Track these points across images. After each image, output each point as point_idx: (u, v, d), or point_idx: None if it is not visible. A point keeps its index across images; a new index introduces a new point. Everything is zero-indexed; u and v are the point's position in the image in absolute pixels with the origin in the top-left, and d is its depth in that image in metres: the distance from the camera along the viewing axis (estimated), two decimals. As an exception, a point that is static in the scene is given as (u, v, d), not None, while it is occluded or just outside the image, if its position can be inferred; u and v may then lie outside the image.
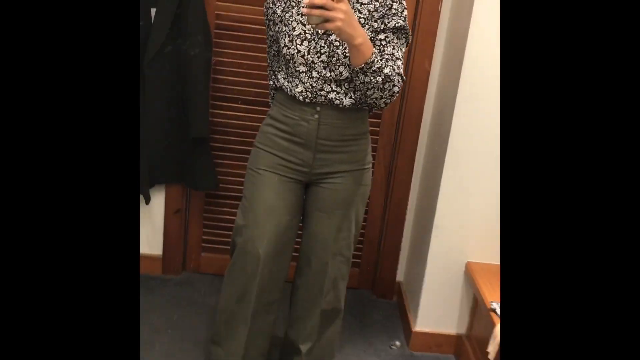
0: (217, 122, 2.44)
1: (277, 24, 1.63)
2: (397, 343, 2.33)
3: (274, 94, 1.78)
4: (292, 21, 1.57)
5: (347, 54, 1.52)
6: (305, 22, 1.54)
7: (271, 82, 1.77)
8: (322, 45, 1.55)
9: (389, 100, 1.57)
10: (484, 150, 2.07)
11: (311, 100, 1.60)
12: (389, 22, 1.56)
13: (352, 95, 1.60)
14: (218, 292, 2.51)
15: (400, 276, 2.67)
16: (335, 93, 1.59)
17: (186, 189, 2.53)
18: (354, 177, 1.69)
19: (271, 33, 1.68)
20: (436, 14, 2.32)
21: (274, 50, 1.72)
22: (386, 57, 1.53)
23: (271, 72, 1.77)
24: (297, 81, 1.60)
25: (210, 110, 2.40)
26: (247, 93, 2.40)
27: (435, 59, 2.38)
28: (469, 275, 2.17)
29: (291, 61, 1.59)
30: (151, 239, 2.60)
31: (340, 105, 1.60)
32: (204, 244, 2.65)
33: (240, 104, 2.40)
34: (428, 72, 2.38)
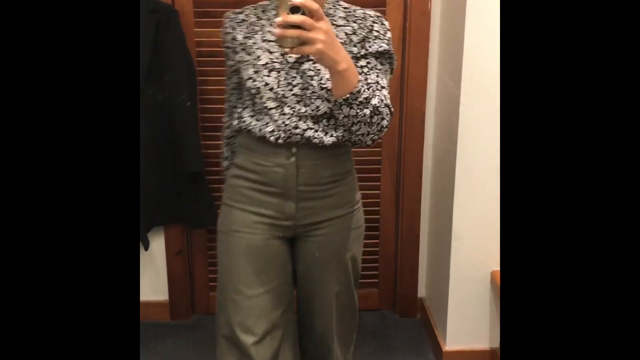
0: (210, 153, 2.31)
1: (238, 53, 1.38)
2: (429, 365, 2.18)
3: (232, 139, 1.51)
4: (256, 49, 1.34)
5: (324, 85, 1.31)
6: (272, 50, 1.33)
7: (232, 123, 1.47)
8: (294, 75, 1.32)
9: (377, 137, 1.32)
10: (496, 149, 1.94)
11: (285, 140, 1.34)
12: (370, 46, 1.34)
13: (334, 133, 1.35)
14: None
15: (421, 292, 2.53)
16: (312, 131, 1.34)
17: (186, 228, 2.40)
18: (345, 222, 1.45)
19: (231, 63, 1.43)
20: (427, 14, 2.21)
21: (234, 82, 1.46)
22: (372, 86, 1.30)
23: (231, 111, 1.49)
24: (268, 119, 1.34)
25: (202, 142, 2.28)
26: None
27: (431, 55, 2.26)
28: (496, 284, 2.03)
29: (258, 96, 1.34)
30: (155, 284, 2.46)
31: (320, 145, 1.35)
32: (211, 283, 2.51)
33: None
34: (426, 72, 2.26)
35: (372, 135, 1.31)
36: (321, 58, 1.16)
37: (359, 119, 1.26)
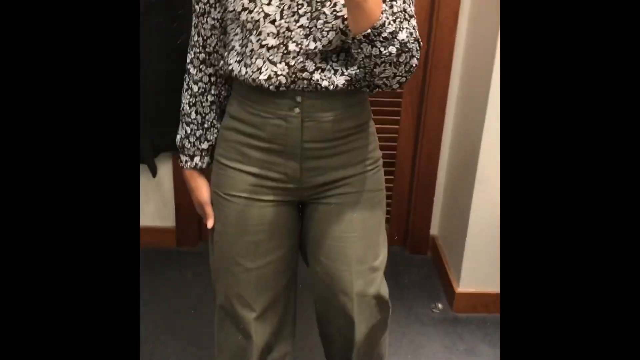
0: (222, 78, 2.18)
1: None
2: (440, 305, 2.16)
3: (216, 79, 1.25)
4: None
5: (339, 13, 1.06)
6: None
7: (211, 75, 1.24)
8: (300, 2, 1.06)
9: (404, 79, 1.08)
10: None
11: (288, 87, 1.10)
12: None
13: (346, 70, 1.11)
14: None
15: (434, 230, 2.48)
16: (320, 72, 1.09)
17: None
18: (363, 182, 1.21)
19: None
20: None
21: (213, 19, 1.16)
22: (398, 16, 1.05)
23: (208, 60, 1.22)
24: (261, 62, 1.09)
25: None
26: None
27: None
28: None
29: (254, 32, 1.08)
30: (162, 211, 2.40)
31: (331, 88, 1.11)
32: (219, 212, 2.45)
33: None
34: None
35: (398, 78, 1.08)
36: None
37: (383, 59, 1.01)
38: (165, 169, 2.31)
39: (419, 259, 2.48)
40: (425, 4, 2.11)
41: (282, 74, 1.09)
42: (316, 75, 1.09)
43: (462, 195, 2.13)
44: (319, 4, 1.06)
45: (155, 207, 2.39)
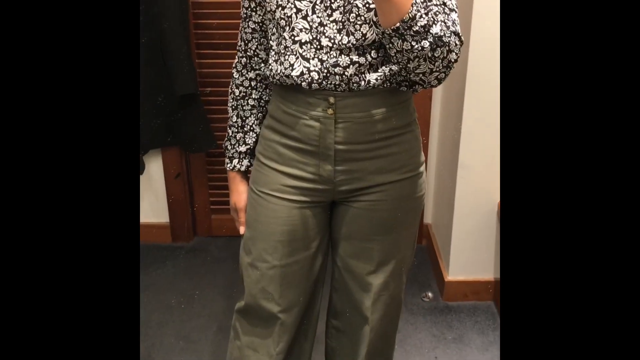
0: (205, 72, 2.19)
1: None
2: (430, 294, 2.14)
3: (257, 83, 1.25)
4: None
5: (372, 6, 1.02)
6: None
7: (252, 78, 1.24)
8: None
9: (443, 75, 1.02)
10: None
11: (320, 85, 1.07)
12: None
13: (382, 67, 1.06)
14: (233, 256, 2.36)
15: (428, 218, 2.46)
16: (356, 68, 1.05)
17: (184, 151, 2.32)
18: (400, 189, 1.16)
19: None
20: None
21: (254, 23, 1.18)
22: (433, 8, 0.96)
23: (249, 63, 1.23)
24: (294, 58, 1.07)
25: (197, 60, 2.15)
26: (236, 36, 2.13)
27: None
28: (503, 214, 1.94)
29: (287, 29, 1.07)
30: (155, 207, 2.43)
31: (367, 87, 1.07)
32: (212, 206, 2.47)
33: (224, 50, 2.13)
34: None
35: (436, 74, 1.01)
36: None
37: (415, 54, 0.96)
38: (155, 165, 2.33)
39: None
40: None
41: (314, 70, 1.06)
42: (350, 70, 1.05)
43: (447, 182, 2.11)
44: None
45: (148, 203, 2.42)
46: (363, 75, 1.06)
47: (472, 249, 2.06)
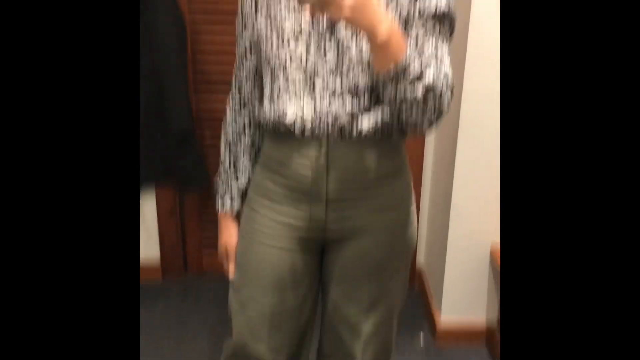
0: (202, 111, 2.21)
1: (257, 22, 1.12)
2: (422, 340, 2.12)
3: (250, 124, 1.26)
4: (280, 15, 1.08)
5: (364, 52, 1.04)
6: (299, 13, 1.07)
7: (245, 120, 1.25)
8: (327, 41, 1.05)
9: (435, 121, 1.03)
10: (498, 120, 1.81)
11: (313, 129, 1.07)
12: (425, 6, 1.02)
13: (375, 113, 1.07)
14: (224, 294, 2.34)
15: (420, 261, 2.45)
16: (348, 112, 1.06)
17: (178, 190, 2.33)
18: (391, 232, 1.16)
19: (246, 39, 1.17)
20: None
21: (249, 65, 1.19)
22: (426, 57, 0.99)
23: (243, 106, 1.24)
24: (287, 100, 1.08)
25: (193, 100, 2.17)
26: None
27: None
28: (494, 256, 1.95)
29: (282, 70, 1.08)
30: (147, 244, 2.42)
31: (359, 132, 1.07)
32: (204, 242, 2.46)
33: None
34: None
35: (428, 121, 1.01)
36: (350, 23, 0.89)
37: (408, 101, 0.97)
38: (148, 203, 2.33)
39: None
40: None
41: (307, 114, 1.07)
42: (343, 116, 1.06)
43: (440, 223, 2.12)
44: (345, 42, 1.03)
45: (140, 241, 2.41)
46: (356, 121, 1.06)
47: (464, 290, 2.05)
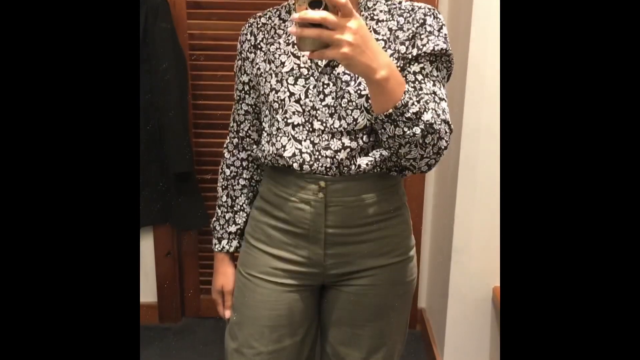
0: (201, 152, 2.22)
1: (256, 63, 1.15)
2: (424, 383, 2.07)
3: (248, 164, 1.27)
4: (279, 55, 1.11)
5: (363, 92, 1.05)
6: (298, 54, 1.09)
7: (243, 157, 1.26)
8: (326, 82, 1.07)
9: (433, 161, 1.04)
10: (498, 163, 1.82)
11: (312, 167, 1.08)
12: (422, 45, 1.05)
13: (373, 152, 1.09)
14: (222, 338, 2.30)
15: (422, 302, 2.43)
16: (347, 152, 1.07)
17: (176, 228, 2.31)
18: (391, 273, 1.15)
19: (244, 79, 1.19)
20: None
21: (247, 105, 1.21)
22: (424, 97, 1.02)
23: (241, 143, 1.25)
24: (286, 140, 1.09)
25: (193, 139, 2.18)
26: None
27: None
28: (497, 300, 1.92)
29: (280, 111, 1.09)
30: (144, 286, 2.39)
31: (357, 171, 1.08)
32: (202, 286, 2.44)
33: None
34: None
35: (426, 160, 1.02)
36: (349, 64, 0.90)
37: (407, 140, 0.98)
38: (146, 243, 2.32)
39: (408, 333, 2.40)
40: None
41: (306, 152, 1.07)
42: (341, 154, 1.06)
43: (441, 266, 2.10)
44: (343, 83, 1.05)
45: (137, 282, 2.39)
46: (354, 159, 1.07)
47: (467, 334, 2.02)
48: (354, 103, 1.05)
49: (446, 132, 1.01)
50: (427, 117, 0.97)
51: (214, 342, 2.30)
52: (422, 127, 0.97)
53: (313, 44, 0.87)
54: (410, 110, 0.95)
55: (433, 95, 1.04)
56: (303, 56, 1.09)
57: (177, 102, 2.03)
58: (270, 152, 1.11)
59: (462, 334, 2.02)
